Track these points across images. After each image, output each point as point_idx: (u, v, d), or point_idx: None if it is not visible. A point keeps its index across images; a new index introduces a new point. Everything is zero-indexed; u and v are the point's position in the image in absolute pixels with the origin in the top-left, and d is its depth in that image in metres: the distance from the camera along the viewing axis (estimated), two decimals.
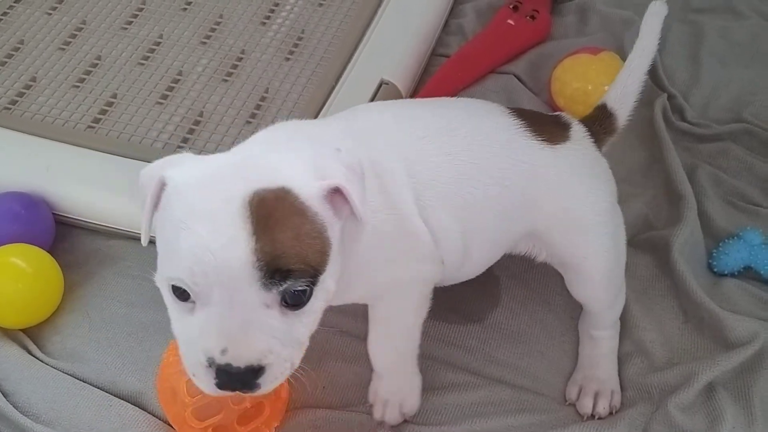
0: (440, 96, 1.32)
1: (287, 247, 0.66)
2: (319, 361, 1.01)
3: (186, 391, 0.81)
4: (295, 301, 0.68)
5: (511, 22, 1.46)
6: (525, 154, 0.91)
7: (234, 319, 0.66)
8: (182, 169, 0.70)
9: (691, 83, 1.42)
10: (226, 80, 1.32)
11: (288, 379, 0.88)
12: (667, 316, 1.10)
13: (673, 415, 0.97)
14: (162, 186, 0.70)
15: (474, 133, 0.89)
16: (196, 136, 1.23)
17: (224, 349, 0.66)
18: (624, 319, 1.08)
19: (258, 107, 1.27)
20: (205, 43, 1.39)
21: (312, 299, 0.70)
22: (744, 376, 1.02)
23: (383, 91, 1.30)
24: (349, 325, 1.05)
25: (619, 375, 1.04)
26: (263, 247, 0.64)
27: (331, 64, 1.34)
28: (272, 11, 1.45)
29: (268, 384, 0.69)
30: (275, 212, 0.66)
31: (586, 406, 1.00)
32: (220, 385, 0.68)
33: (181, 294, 0.67)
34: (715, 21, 1.54)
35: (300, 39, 1.40)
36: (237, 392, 0.70)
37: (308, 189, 0.69)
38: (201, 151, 1.19)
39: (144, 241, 0.74)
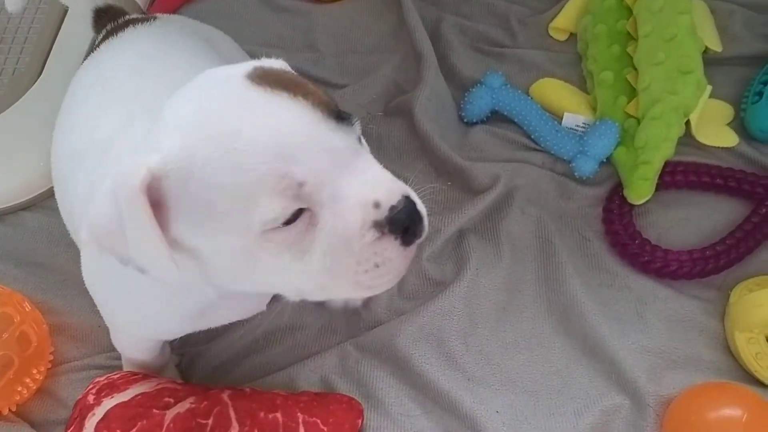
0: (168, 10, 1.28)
1: (323, 94, 0.61)
2: None
3: None
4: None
5: None
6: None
7: (357, 176, 0.60)
8: (163, 147, 0.58)
9: None
10: None
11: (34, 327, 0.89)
12: (421, 174, 1.13)
13: (425, 267, 1.03)
14: (149, 186, 0.57)
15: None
16: None
17: (376, 201, 0.60)
18: None
19: None
20: None
21: None
22: (491, 218, 1.08)
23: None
24: None
25: None
26: (314, 101, 0.59)
27: None
28: None
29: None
30: (287, 78, 0.61)
31: None
32: (405, 236, 0.61)
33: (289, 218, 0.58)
34: None
35: None
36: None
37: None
38: None
39: (171, 272, 0.60)
